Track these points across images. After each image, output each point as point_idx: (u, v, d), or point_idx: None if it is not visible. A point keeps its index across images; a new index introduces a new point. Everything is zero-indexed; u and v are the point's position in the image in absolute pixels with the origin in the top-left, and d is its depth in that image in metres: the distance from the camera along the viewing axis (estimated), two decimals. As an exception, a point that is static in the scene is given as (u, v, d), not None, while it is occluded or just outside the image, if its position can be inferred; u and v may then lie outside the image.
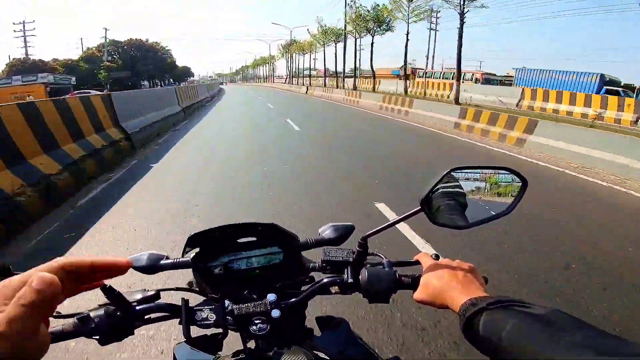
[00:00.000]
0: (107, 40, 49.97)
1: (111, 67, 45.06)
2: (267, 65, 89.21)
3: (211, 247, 0.71)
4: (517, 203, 0.61)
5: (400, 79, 28.24)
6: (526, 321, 0.41)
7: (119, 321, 0.59)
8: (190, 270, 0.71)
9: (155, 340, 1.93)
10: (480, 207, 0.62)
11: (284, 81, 65.48)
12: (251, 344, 0.68)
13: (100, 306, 0.60)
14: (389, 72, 42.76)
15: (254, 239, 0.74)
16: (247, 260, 0.71)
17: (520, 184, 0.61)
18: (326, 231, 0.79)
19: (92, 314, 0.58)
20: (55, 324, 0.57)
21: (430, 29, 39.40)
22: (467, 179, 0.61)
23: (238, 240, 0.73)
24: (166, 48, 58.64)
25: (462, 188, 0.62)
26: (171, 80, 57.04)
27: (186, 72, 69.85)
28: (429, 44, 41.75)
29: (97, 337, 0.57)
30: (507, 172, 0.62)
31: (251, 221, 0.69)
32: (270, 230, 0.70)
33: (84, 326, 0.57)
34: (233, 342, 0.72)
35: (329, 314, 0.80)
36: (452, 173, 0.59)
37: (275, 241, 0.73)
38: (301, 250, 0.75)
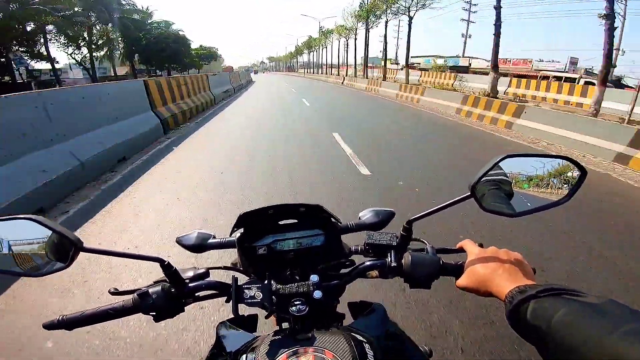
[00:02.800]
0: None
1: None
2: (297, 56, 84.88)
3: (256, 227, 0.73)
4: (574, 193, 0.58)
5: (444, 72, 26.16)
6: (578, 309, 0.39)
7: (173, 297, 0.62)
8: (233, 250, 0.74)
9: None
10: (532, 195, 0.59)
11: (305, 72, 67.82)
12: (285, 327, 0.69)
13: (156, 283, 0.64)
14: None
15: (296, 221, 0.75)
16: (289, 241, 0.73)
17: (579, 173, 0.58)
18: (367, 215, 0.79)
19: (150, 290, 0.61)
20: (115, 300, 0.62)
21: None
22: (521, 166, 0.59)
23: (279, 222, 0.75)
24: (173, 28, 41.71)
25: (511, 175, 0.60)
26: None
27: (209, 55, 56.74)
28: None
29: (154, 313, 0.61)
30: (565, 161, 0.59)
31: (298, 202, 0.70)
32: (313, 212, 0.71)
33: (142, 302, 0.60)
34: (262, 325, 0.75)
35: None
36: (505, 160, 0.57)
37: (316, 224, 0.74)
38: (342, 234, 0.76)
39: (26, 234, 0.52)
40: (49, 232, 0.52)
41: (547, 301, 0.43)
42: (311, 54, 69.92)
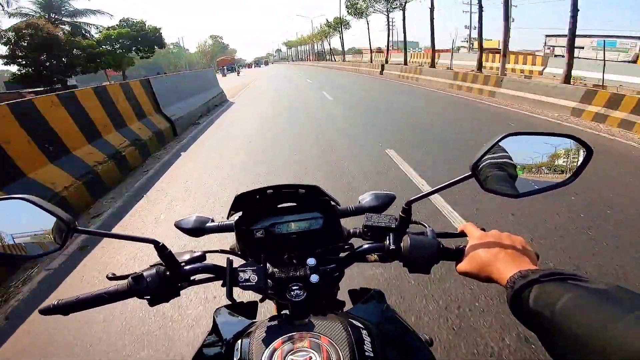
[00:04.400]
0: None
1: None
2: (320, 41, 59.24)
3: (254, 210, 0.72)
4: (580, 173, 0.56)
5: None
6: (584, 295, 0.38)
7: (169, 281, 0.61)
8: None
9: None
10: (535, 175, 0.57)
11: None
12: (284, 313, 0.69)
13: (152, 266, 0.63)
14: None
15: (294, 204, 0.74)
16: (287, 224, 0.72)
17: (585, 152, 0.56)
18: (366, 199, 0.78)
19: (145, 274, 0.60)
20: (111, 285, 0.61)
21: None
22: (524, 145, 0.57)
23: (278, 206, 0.74)
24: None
25: (513, 155, 0.58)
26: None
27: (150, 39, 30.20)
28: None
29: (148, 297, 0.60)
30: (569, 139, 0.57)
31: (294, 183, 0.69)
32: (311, 193, 0.70)
33: (137, 285, 0.59)
34: (264, 312, 0.74)
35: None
36: (507, 138, 0.55)
37: (315, 207, 0.73)
38: (341, 217, 0.75)
39: (19, 214, 0.52)
40: (43, 213, 0.51)
41: (550, 286, 0.41)
42: (330, 39, 53.94)
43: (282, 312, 0.68)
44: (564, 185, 0.57)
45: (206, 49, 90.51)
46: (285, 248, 0.70)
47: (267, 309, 0.77)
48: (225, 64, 51.51)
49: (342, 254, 0.71)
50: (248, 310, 0.77)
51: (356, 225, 0.76)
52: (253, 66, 76.41)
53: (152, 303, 0.60)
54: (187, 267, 0.64)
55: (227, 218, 0.74)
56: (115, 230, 1.92)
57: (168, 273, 0.61)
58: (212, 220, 0.78)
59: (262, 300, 0.66)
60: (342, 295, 0.77)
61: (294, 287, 0.61)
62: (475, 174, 0.56)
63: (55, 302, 0.59)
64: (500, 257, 0.51)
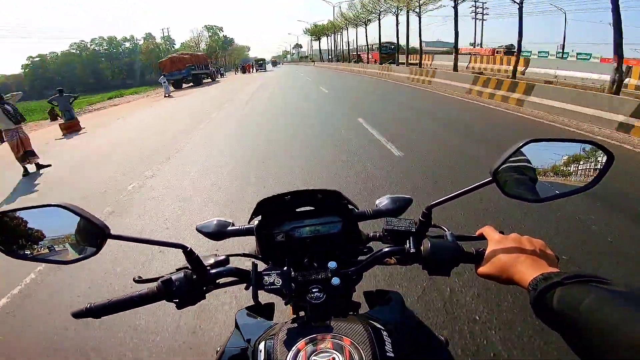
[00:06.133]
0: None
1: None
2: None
3: (274, 215, 0.74)
4: (601, 179, 0.57)
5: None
6: (608, 297, 0.39)
7: (196, 284, 0.63)
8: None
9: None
10: (556, 181, 0.58)
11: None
12: (302, 315, 0.70)
13: (178, 270, 0.64)
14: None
15: (312, 208, 0.76)
16: (307, 228, 0.73)
17: (605, 158, 0.57)
18: (383, 202, 0.79)
19: (173, 277, 0.62)
20: (139, 288, 0.63)
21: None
22: (544, 151, 0.57)
23: (297, 210, 0.76)
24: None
25: (534, 161, 0.59)
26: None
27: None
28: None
29: (177, 300, 0.61)
30: (591, 146, 0.57)
31: (316, 188, 0.70)
32: (331, 198, 0.71)
33: (165, 289, 0.61)
34: (279, 313, 0.75)
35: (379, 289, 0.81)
36: (528, 144, 0.55)
37: (333, 210, 0.74)
38: (359, 220, 0.76)
39: (56, 221, 0.54)
40: (78, 219, 0.54)
41: (574, 288, 0.42)
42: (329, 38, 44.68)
43: (301, 314, 0.70)
44: (584, 190, 0.58)
45: (199, 42, 72.33)
46: (305, 251, 0.72)
47: (281, 310, 0.78)
48: (179, 67, 28.91)
49: (360, 257, 0.72)
50: (266, 311, 0.79)
51: (370, 229, 0.77)
52: (252, 69, 52.81)
53: (180, 306, 0.62)
54: (213, 271, 0.65)
55: (249, 222, 0.76)
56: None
57: (195, 277, 0.63)
58: (233, 224, 0.80)
59: (286, 303, 0.67)
60: (356, 297, 0.78)
61: (314, 290, 0.62)
62: (496, 179, 0.57)
63: (88, 306, 0.61)
64: (521, 260, 0.52)
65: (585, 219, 2.89)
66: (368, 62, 32.06)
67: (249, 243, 0.79)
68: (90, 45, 67.67)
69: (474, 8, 38.21)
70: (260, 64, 54.68)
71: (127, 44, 71.37)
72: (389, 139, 5.79)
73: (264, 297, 0.67)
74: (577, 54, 26.38)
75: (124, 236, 0.55)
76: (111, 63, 66.86)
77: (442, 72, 14.04)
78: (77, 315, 0.61)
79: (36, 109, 22.08)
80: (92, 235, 0.55)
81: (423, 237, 0.65)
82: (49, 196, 4.94)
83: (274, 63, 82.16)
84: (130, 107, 18.90)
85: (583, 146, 0.57)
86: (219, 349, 0.69)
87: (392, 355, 0.52)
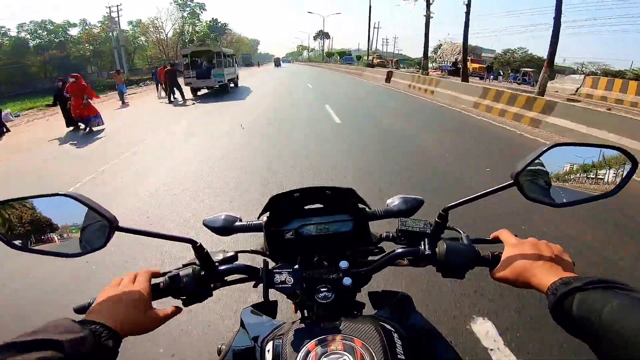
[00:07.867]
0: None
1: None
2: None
3: (283, 211, 0.72)
4: (624, 185, 0.55)
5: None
6: (631, 303, 0.38)
7: (203, 281, 0.61)
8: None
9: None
10: (578, 186, 0.57)
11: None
12: (306, 314, 0.69)
13: (185, 266, 0.62)
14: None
15: (321, 205, 0.74)
16: (317, 226, 0.72)
17: (630, 165, 0.55)
18: (395, 202, 0.78)
19: (180, 273, 0.60)
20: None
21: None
22: (567, 155, 0.56)
23: (305, 207, 0.74)
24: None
25: (557, 165, 0.57)
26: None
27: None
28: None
29: (184, 297, 0.60)
30: (616, 151, 0.56)
31: (329, 185, 0.69)
32: (342, 196, 0.70)
33: (173, 284, 0.59)
34: (281, 311, 0.73)
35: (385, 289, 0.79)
36: (554, 148, 0.54)
37: (343, 209, 0.73)
38: (370, 220, 0.75)
39: (63, 211, 0.52)
40: (86, 210, 0.51)
41: (595, 293, 0.41)
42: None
43: (305, 313, 0.69)
44: (606, 196, 0.57)
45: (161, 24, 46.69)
46: (314, 250, 0.70)
47: (284, 308, 0.76)
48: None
49: (371, 257, 0.71)
50: (270, 309, 0.77)
51: (378, 229, 0.76)
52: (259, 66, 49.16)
53: (187, 303, 0.60)
54: (222, 268, 0.63)
55: (258, 218, 0.74)
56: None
57: (203, 273, 0.61)
58: (240, 220, 0.78)
59: (296, 303, 0.66)
60: (358, 297, 0.77)
61: (322, 289, 0.61)
62: (517, 183, 0.56)
63: (90, 300, 0.59)
64: (539, 264, 0.52)
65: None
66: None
67: (255, 238, 0.78)
68: (17, 32, 40.77)
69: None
70: (247, 60, 68.78)
71: (75, 31, 44.48)
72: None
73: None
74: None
75: (132, 229, 0.53)
76: (44, 57, 40.36)
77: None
78: (79, 311, 0.59)
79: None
80: (99, 226, 0.53)
81: (438, 239, 0.64)
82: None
83: (276, 62, 66.28)
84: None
85: (607, 152, 0.56)
86: (220, 346, 0.68)
87: (403, 357, 0.51)
